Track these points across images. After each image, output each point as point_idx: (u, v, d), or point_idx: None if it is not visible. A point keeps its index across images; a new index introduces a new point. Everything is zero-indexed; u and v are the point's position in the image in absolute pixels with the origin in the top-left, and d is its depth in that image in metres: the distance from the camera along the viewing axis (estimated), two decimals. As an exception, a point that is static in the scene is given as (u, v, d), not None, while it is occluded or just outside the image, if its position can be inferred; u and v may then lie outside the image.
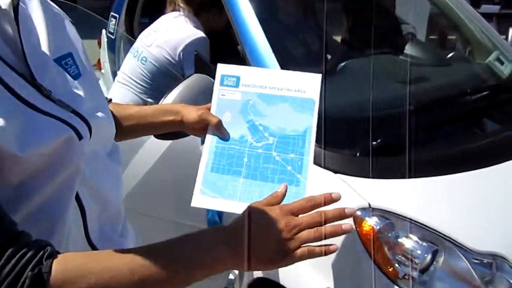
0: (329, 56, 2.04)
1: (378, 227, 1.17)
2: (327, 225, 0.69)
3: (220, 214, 1.47)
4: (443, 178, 1.30)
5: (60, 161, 0.64)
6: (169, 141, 1.42)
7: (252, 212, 0.69)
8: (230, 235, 0.66)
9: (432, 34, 2.62)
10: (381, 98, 1.51)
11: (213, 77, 1.38)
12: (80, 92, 0.71)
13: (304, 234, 0.67)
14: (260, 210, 0.69)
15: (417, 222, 1.19)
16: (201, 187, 0.92)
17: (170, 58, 1.96)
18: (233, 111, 0.97)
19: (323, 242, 0.68)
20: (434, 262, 1.18)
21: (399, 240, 1.18)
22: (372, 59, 1.89)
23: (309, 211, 0.71)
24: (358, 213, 1.18)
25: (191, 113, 0.98)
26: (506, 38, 2.27)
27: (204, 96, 1.32)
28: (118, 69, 2.16)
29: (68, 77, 0.70)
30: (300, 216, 0.70)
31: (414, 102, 1.53)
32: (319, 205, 0.72)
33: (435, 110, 1.48)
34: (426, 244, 1.19)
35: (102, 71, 2.97)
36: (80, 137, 0.67)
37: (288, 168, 0.92)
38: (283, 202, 0.75)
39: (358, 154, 1.30)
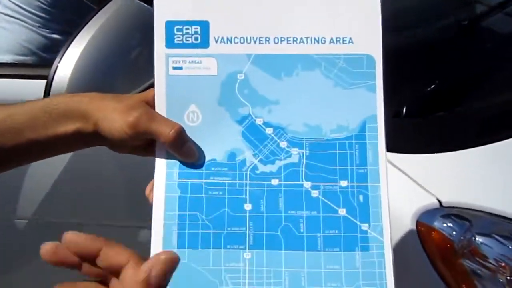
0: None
1: (453, 234, 0.74)
2: None
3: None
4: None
5: None
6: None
7: None
8: None
9: None
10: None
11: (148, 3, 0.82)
12: None
13: None
14: None
15: (504, 217, 0.77)
16: None
17: (77, -31, 1.33)
18: (205, 102, 0.47)
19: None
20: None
21: (482, 246, 0.76)
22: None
23: None
24: (423, 218, 0.72)
25: (113, 117, 0.45)
26: None
27: (140, 34, 0.77)
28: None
29: None
30: None
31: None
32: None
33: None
34: (517, 247, 0.78)
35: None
36: None
37: (340, 212, 0.45)
38: None
39: (404, 113, 0.81)
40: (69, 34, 1.44)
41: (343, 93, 0.46)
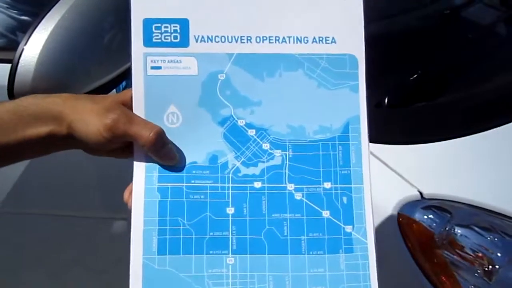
0: None
1: (434, 226, 0.73)
2: None
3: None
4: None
5: None
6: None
7: None
8: None
9: None
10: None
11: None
12: None
13: None
14: None
15: (483, 208, 0.76)
16: None
17: None
18: (185, 103, 0.45)
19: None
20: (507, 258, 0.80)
21: (461, 237, 0.76)
22: None
23: None
24: (404, 209, 0.72)
25: (89, 119, 0.43)
26: None
27: (113, 17, 0.74)
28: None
29: None
30: None
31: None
32: None
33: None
34: (496, 238, 0.78)
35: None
36: None
37: (323, 215, 0.45)
38: None
39: (386, 103, 0.80)
40: (39, 15, 1.38)
41: (326, 93, 0.46)
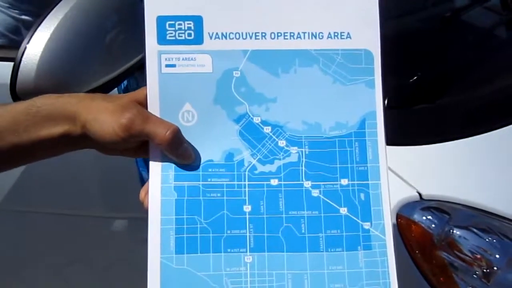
0: None
1: (432, 227, 0.73)
2: None
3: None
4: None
5: None
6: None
7: None
8: None
9: None
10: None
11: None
12: None
13: None
14: None
15: (482, 210, 0.77)
16: None
17: None
18: (200, 101, 0.45)
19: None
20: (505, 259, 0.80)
21: (459, 239, 0.76)
22: None
23: None
24: (403, 210, 0.72)
25: (104, 118, 0.42)
26: None
27: (117, 16, 0.74)
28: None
29: None
30: None
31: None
32: None
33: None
34: (494, 240, 0.79)
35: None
36: None
37: (341, 211, 0.44)
38: None
39: (386, 104, 0.80)
40: (40, 15, 1.39)
41: (342, 89, 0.45)
